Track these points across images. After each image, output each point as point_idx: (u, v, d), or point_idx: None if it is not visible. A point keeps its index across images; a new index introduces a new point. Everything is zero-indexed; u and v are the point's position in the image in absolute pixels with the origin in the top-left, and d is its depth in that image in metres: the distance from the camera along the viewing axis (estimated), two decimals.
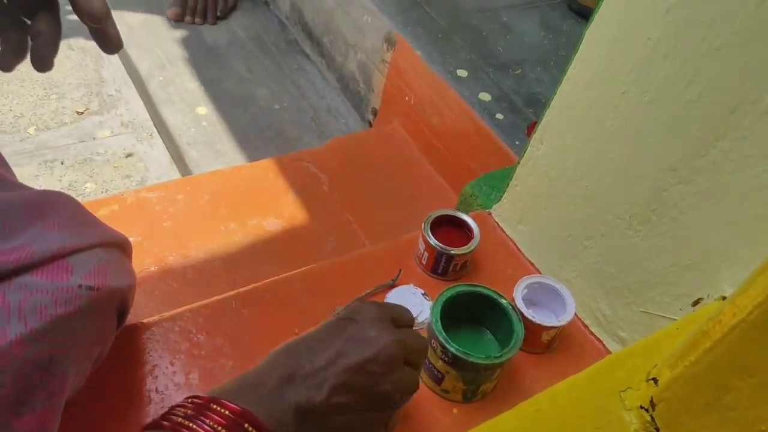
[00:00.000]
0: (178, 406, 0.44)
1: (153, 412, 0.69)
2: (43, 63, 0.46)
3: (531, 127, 1.16)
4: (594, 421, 0.57)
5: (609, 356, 0.63)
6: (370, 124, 1.56)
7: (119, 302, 0.59)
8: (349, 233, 1.22)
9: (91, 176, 1.38)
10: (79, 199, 1.33)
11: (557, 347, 0.85)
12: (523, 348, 0.82)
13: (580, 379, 0.60)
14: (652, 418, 0.56)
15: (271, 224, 1.19)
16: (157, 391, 0.70)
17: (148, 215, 1.15)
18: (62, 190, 1.33)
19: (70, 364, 0.51)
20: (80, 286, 0.51)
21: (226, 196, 1.21)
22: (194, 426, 0.41)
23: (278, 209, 1.21)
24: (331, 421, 0.48)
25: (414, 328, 0.81)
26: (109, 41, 0.48)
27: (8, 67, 0.47)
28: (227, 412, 0.42)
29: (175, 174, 1.43)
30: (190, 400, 0.44)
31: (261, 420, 0.43)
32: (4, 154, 0.70)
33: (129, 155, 1.44)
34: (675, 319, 0.75)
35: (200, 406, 0.43)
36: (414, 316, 0.82)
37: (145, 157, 1.45)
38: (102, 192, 1.35)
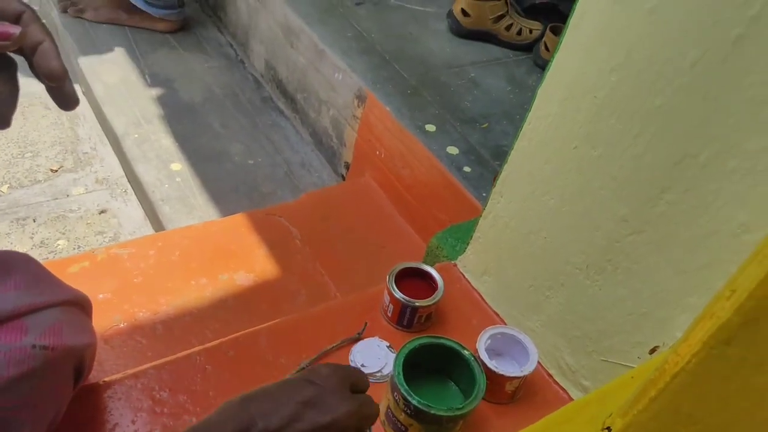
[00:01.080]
0: None
1: None
2: (1, 120, 0.48)
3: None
4: None
5: (566, 405, 0.64)
6: (343, 178, 1.58)
7: (76, 361, 0.60)
8: (320, 286, 1.22)
9: (63, 233, 1.38)
10: (50, 256, 1.34)
11: (521, 397, 0.85)
12: (488, 398, 0.82)
13: (537, 429, 0.61)
14: None
15: (243, 278, 1.19)
16: None
17: (118, 272, 1.15)
18: (33, 248, 1.33)
19: (22, 426, 0.51)
20: (34, 346, 0.51)
21: (198, 251, 1.22)
22: None
23: (250, 263, 1.22)
24: None
25: (378, 381, 0.82)
26: (66, 99, 0.50)
27: None
28: None
29: (148, 230, 1.44)
30: None
31: None
32: None
33: (102, 212, 1.45)
34: (634, 367, 0.77)
35: None
36: (378, 369, 0.82)
37: (118, 213, 1.46)
38: (74, 249, 1.35)
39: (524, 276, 0.89)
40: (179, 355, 0.80)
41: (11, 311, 0.52)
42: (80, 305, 0.64)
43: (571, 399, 0.86)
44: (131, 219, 1.45)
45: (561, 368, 0.87)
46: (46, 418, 0.56)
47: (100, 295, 1.10)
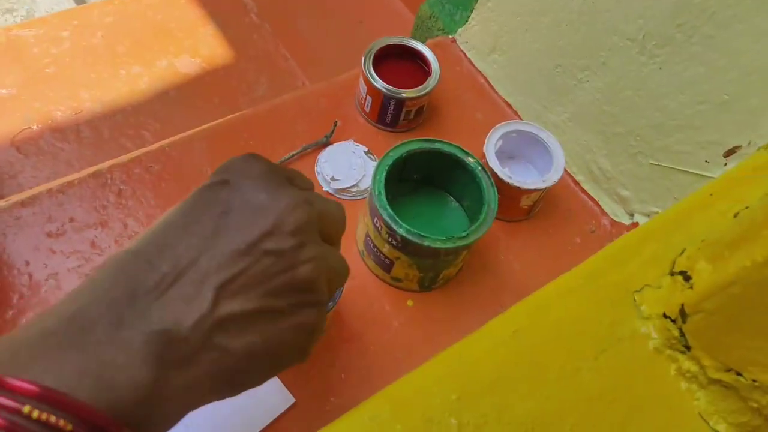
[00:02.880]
0: None
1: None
2: None
3: None
4: (596, 340, 0.40)
5: (616, 241, 0.45)
6: None
7: None
8: (285, 73, 0.99)
9: None
10: None
11: (540, 210, 0.67)
12: (498, 216, 0.64)
13: (574, 278, 0.42)
14: (682, 332, 0.39)
15: (186, 65, 0.96)
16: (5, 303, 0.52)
17: (24, 59, 0.91)
18: None
19: None
20: None
21: (127, 31, 0.97)
22: None
23: (194, 46, 0.98)
24: (226, 349, 0.27)
25: (354, 198, 0.63)
26: None
27: None
28: (8, 401, 0.23)
29: (70, 5, 1.16)
30: None
31: (70, 398, 0.24)
32: None
33: None
34: (699, 174, 0.57)
35: None
36: (354, 183, 0.63)
37: None
38: None
39: (550, 53, 0.66)
40: (82, 173, 0.59)
41: None
42: None
43: (602, 211, 0.67)
44: None
45: (592, 173, 0.67)
46: None
47: (3, 91, 0.87)
